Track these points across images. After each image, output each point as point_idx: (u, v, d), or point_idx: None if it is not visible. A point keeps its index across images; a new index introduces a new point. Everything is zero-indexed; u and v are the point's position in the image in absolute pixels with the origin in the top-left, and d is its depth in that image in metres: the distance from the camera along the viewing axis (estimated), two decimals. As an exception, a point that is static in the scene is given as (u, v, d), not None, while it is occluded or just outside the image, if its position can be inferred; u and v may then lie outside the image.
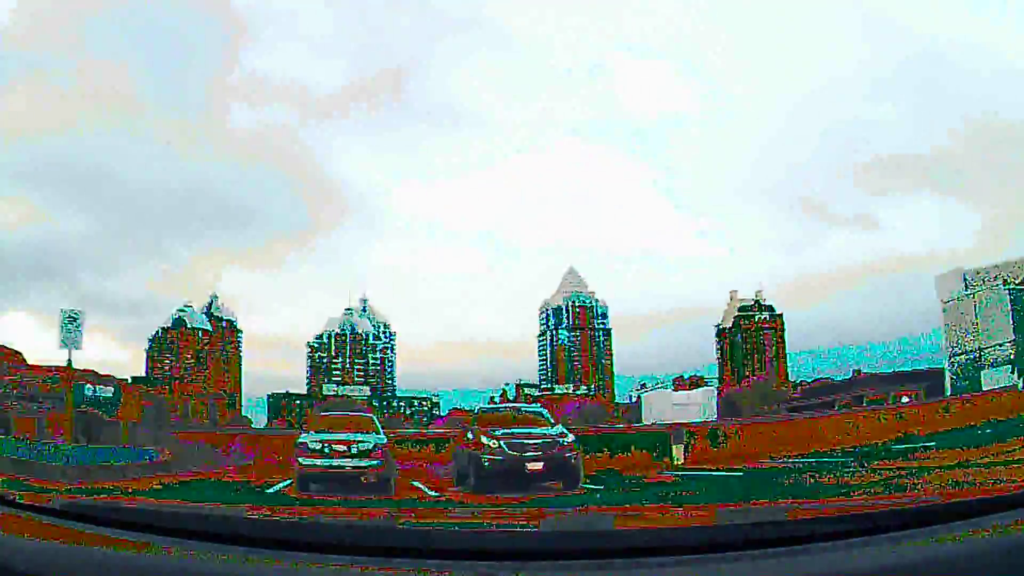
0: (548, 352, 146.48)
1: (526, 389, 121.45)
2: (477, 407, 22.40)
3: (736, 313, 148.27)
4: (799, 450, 21.42)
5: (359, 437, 13.72)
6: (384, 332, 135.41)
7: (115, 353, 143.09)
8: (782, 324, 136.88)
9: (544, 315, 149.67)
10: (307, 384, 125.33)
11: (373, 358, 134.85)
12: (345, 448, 13.30)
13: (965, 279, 45.55)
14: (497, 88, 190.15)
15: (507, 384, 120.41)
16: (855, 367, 78.24)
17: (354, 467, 13.13)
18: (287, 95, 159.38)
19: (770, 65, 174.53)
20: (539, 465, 12.57)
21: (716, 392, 61.75)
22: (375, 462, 13.21)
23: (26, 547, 1.70)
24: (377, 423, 15.63)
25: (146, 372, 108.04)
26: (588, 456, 16.19)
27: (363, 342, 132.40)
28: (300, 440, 13.95)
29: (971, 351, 42.08)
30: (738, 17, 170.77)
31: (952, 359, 43.84)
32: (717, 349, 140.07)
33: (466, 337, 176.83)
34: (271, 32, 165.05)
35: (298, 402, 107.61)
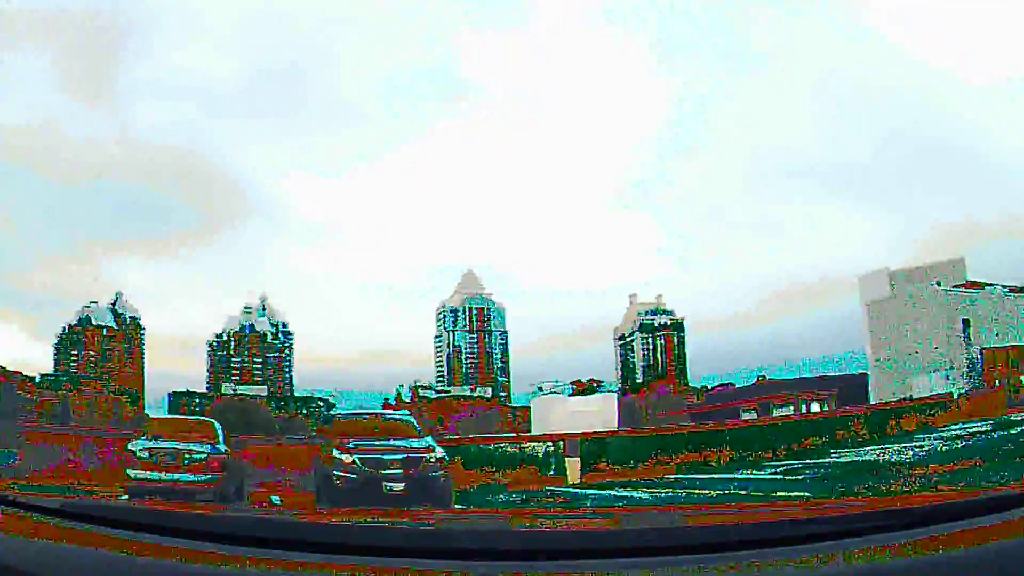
0: (445, 354, 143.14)
1: (422, 391, 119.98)
2: (334, 412, 21.78)
3: (636, 318, 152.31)
4: (708, 462, 21.51)
5: (193, 447, 12.40)
6: (282, 331, 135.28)
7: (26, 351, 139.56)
8: (682, 329, 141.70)
9: (441, 316, 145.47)
10: (207, 382, 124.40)
11: (271, 356, 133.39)
12: (174, 459, 12.07)
13: (891, 280, 41.35)
14: (394, 87, 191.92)
15: (401, 386, 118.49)
16: (760, 373, 76.76)
17: (185, 481, 11.75)
18: (190, 90, 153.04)
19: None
20: (399, 485, 11.38)
21: (616, 399, 56.05)
22: (206, 476, 11.93)
23: (26, 547, 1.71)
24: (219, 429, 14.11)
25: (54, 370, 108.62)
26: (470, 471, 15.41)
27: (262, 341, 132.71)
28: (128, 447, 12.70)
29: (899, 356, 38.46)
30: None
31: (877, 364, 40.09)
32: (617, 355, 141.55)
33: (364, 338, 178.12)
34: (175, 26, 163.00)
35: (198, 401, 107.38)
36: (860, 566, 1.44)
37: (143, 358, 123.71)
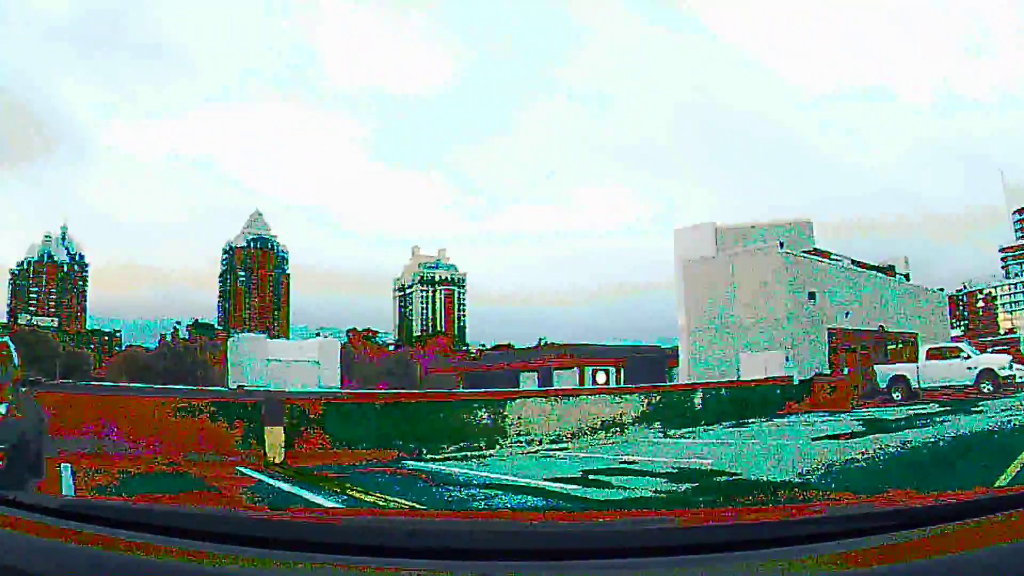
0: (227, 292, 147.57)
1: (200, 329, 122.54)
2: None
3: (417, 270, 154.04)
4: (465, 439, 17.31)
5: None
6: (79, 262, 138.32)
7: None
8: (463, 284, 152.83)
9: (227, 254, 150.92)
10: (7, 313, 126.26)
11: (67, 287, 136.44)
12: None
13: (718, 236, 36.19)
14: (213, 34, 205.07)
15: (179, 320, 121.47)
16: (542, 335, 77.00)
17: None
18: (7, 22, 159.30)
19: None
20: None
21: (339, 346, 44.48)
22: None
23: (26, 547, 1.73)
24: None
25: None
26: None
27: (58, 271, 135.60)
28: None
29: (723, 328, 29.06)
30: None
31: (694, 336, 30.38)
32: (396, 306, 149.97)
33: (155, 271, 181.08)
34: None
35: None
36: (860, 566, 1.45)
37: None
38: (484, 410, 18.53)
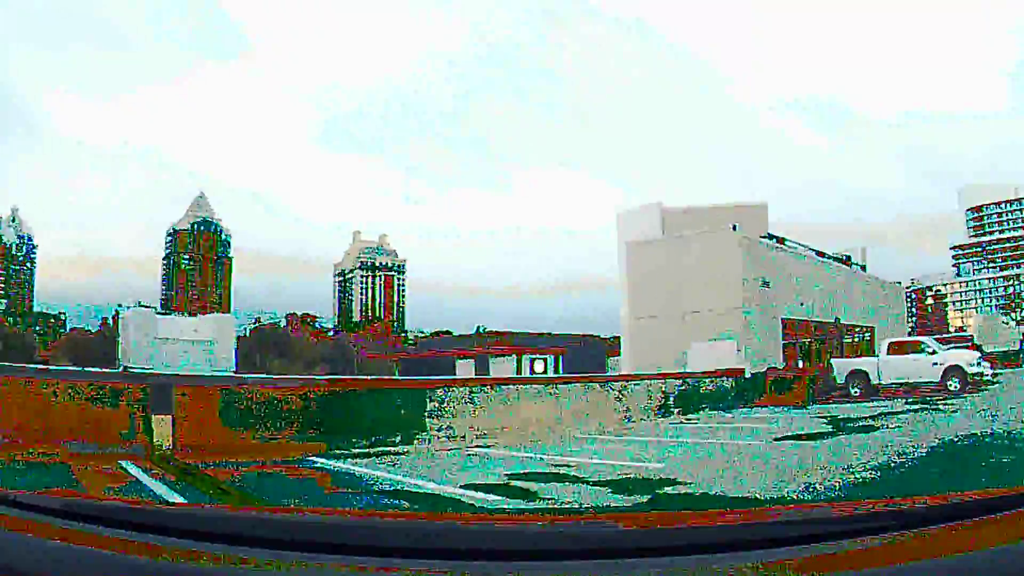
0: (170, 275, 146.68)
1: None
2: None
3: (358, 255, 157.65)
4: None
5: None
6: (27, 243, 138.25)
7: None
8: (403, 270, 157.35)
9: (171, 237, 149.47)
10: None
11: (14, 269, 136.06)
12: None
13: (664, 218, 34.15)
14: (159, 16, 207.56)
15: (120, 305, 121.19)
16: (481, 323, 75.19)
17: None
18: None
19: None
20: None
21: (232, 326, 41.43)
22: None
23: (26, 547, 1.72)
24: None
25: None
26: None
27: (7, 253, 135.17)
28: None
29: (670, 316, 26.77)
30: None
31: (637, 323, 27.99)
32: (335, 291, 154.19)
33: (102, 253, 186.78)
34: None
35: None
36: (860, 566, 1.46)
37: None
38: (404, 400, 16.46)
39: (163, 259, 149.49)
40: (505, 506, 9.32)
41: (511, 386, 20.30)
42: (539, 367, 41.07)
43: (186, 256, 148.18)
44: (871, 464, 10.92)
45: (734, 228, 29.48)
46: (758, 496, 8.58)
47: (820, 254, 36.37)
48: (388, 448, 14.82)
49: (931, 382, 26.89)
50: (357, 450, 14.49)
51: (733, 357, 27.06)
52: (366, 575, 1.57)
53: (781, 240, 33.14)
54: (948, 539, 1.56)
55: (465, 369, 43.40)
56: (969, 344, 40.24)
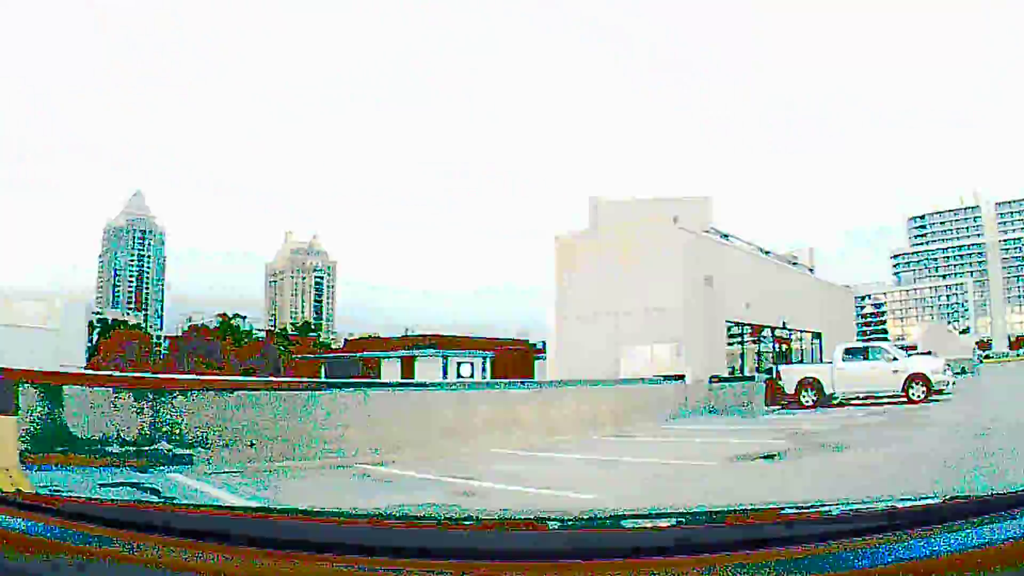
0: (107, 274, 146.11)
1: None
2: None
3: (288, 256, 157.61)
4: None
5: None
6: None
7: None
8: (333, 272, 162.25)
9: (106, 235, 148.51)
10: None
11: None
12: None
13: (596, 208, 31.36)
14: None
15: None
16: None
17: None
18: None
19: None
20: None
21: (86, 318, 38.10)
22: None
23: (26, 548, 1.73)
24: None
25: None
26: None
27: None
28: None
29: (602, 316, 24.16)
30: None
31: (565, 322, 25.36)
32: (267, 292, 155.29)
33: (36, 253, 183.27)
34: None
35: None
36: (860, 566, 1.46)
37: None
38: (275, 405, 13.07)
39: (99, 256, 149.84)
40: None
41: (419, 390, 17.21)
42: (466, 370, 40.78)
43: (121, 253, 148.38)
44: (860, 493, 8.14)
45: (674, 220, 26.62)
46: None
47: (767, 253, 33.83)
48: (256, 465, 11.92)
49: (891, 391, 24.54)
50: (210, 469, 11.48)
51: (672, 362, 24.21)
52: (366, 575, 1.56)
53: (725, 236, 30.42)
54: (947, 539, 1.53)
55: (390, 371, 42.92)
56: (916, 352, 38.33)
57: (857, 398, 25.31)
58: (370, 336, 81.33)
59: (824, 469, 11.02)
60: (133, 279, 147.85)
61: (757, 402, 23.43)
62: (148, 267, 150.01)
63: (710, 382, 24.32)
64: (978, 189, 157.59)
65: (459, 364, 41.75)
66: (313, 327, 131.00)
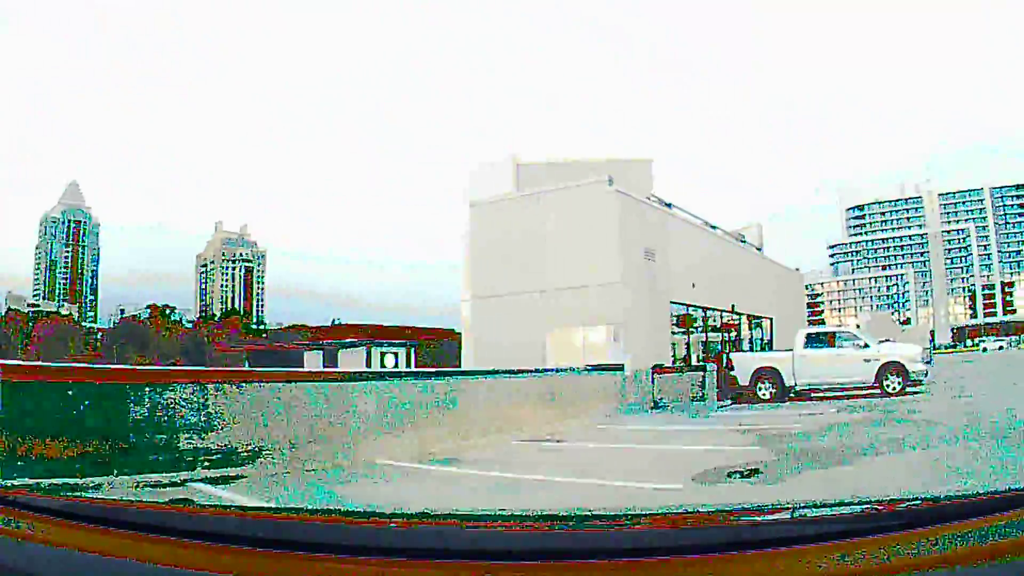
0: (43, 264, 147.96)
1: (10, 304, 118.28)
2: None
3: (219, 246, 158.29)
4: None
5: None
6: None
7: None
8: (263, 261, 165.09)
9: (42, 226, 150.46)
10: None
11: None
12: None
13: (518, 171, 26.94)
14: None
15: None
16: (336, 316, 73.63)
17: None
18: None
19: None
20: None
21: None
22: None
23: (26, 547, 1.77)
24: None
25: None
26: None
27: None
28: None
29: (525, 292, 20.12)
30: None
31: (479, 303, 21.47)
32: (198, 283, 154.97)
33: None
34: None
35: None
36: (860, 566, 1.47)
37: None
38: (138, 399, 10.12)
39: (36, 248, 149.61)
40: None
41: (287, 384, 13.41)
42: (390, 361, 39.50)
43: (57, 245, 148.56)
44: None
45: (610, 182, 23.01)
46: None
47: (714, 228, 30.43)
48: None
49: (861, 382, 21.55)
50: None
51: (608, 348, 20.67)
52: (366, 575, 1.57)
53: (667, 205, 26.88)
54: (947, 539, 1.54)
55: (313, 362, 41.87)
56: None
57: (818, 390, 22.33)
58: (298, 326, 79.21)
59: (833, 490, 7.63)
60: (68, 270, 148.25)
61: (710, 396, 20.09)
62: (83, 257, 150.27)
63: (653, 372, 20.94)
64: (920, 181, 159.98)
65: (383, 354, 40.28)
66: (244, 317, 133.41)
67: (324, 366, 39.65)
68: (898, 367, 21.28)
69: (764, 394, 22.43)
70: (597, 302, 21.61)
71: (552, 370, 18.38)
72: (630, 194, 23.25)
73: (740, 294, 29.59)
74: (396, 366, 38.76)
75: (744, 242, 34.86)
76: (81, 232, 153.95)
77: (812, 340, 22.97)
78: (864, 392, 21.41)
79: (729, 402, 21.93)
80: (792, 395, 22.30)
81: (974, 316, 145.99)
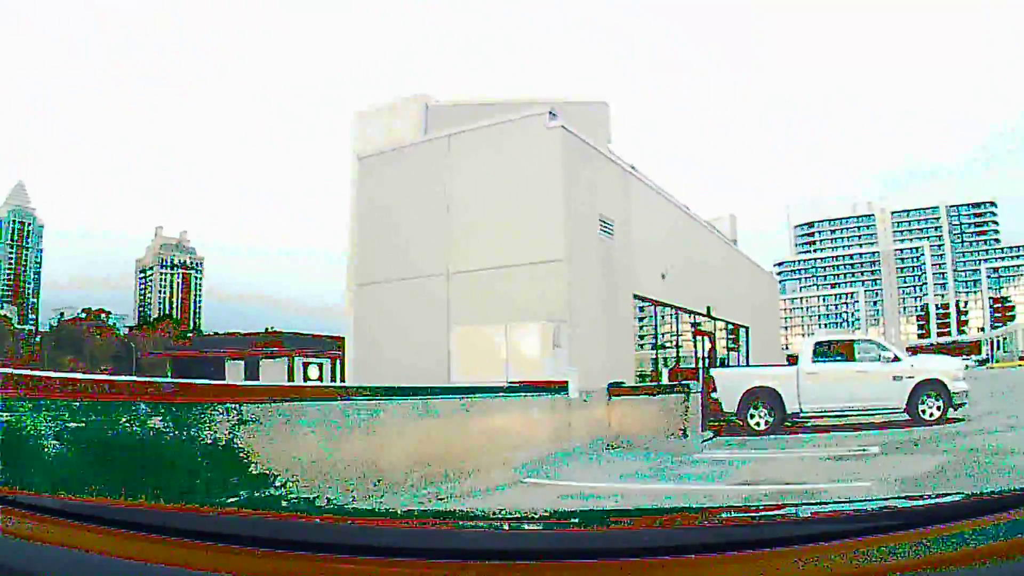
0: None
1: None
2: None
3: (158, 252, 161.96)
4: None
5: None
6: None
7: None
8: (200, 268, 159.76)
9: None
10: None
11: None
12: None
13: (428, 110, 19.90)
14: None
15: None
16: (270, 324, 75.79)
17: None
18: None
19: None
20: None
21: None
22: None
23: (26, 547, 1.77)
24: None
25: None
26: None
27: None
28: None
29: (430, 275, 12.89)
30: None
31: (368, 291, 14.04)
32: (137, 288, 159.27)
33: None
34: None
35: None
36: (860, 566, 1.48)
37: None
38: None
39: None
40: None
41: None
42: (313, 372, 38.33)
43: (1, 245, 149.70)
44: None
45: (552, 116, 16.52)
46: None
47: (686, 209, 24.35)
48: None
49: (888, 406, 16.23)
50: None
51: (545, 358, 13.93)
52: (366, 575, 1.58)
53: (633, 168, 20.73)
54: (948, 539, 1.55)
55: (234, 372, 41.09)
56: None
57: (824, 417, 16.84)
58: (233, 334, 76.36)
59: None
60: (11, 271, 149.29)
61: (693, 429, 14.09)
62: (27, 259, 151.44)
63: (610, 395, 14.85)
64: (872, 198, 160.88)
65: (306, 365, 39.22)
66: (177, 323, 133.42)
67: (245, 376, 39.66)
68: (937, 386, 15.98)
69: (757, 424, 16.67)
70: (530, 289, 15.06)
71: (458, 390, 12.01)
72: (582, 136, 16.85)
73: (717, 295, 23.81)
74: (320, 378, 38.11)
75: (716, 232, 29.15)
76: (25, 233, 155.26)
77: (823, 351, 17.28)
78: (886, 420, 16.24)
79: (711, 434, 16.07)
80: (789, 423, 16.77)
81: (926, 335, 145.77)
